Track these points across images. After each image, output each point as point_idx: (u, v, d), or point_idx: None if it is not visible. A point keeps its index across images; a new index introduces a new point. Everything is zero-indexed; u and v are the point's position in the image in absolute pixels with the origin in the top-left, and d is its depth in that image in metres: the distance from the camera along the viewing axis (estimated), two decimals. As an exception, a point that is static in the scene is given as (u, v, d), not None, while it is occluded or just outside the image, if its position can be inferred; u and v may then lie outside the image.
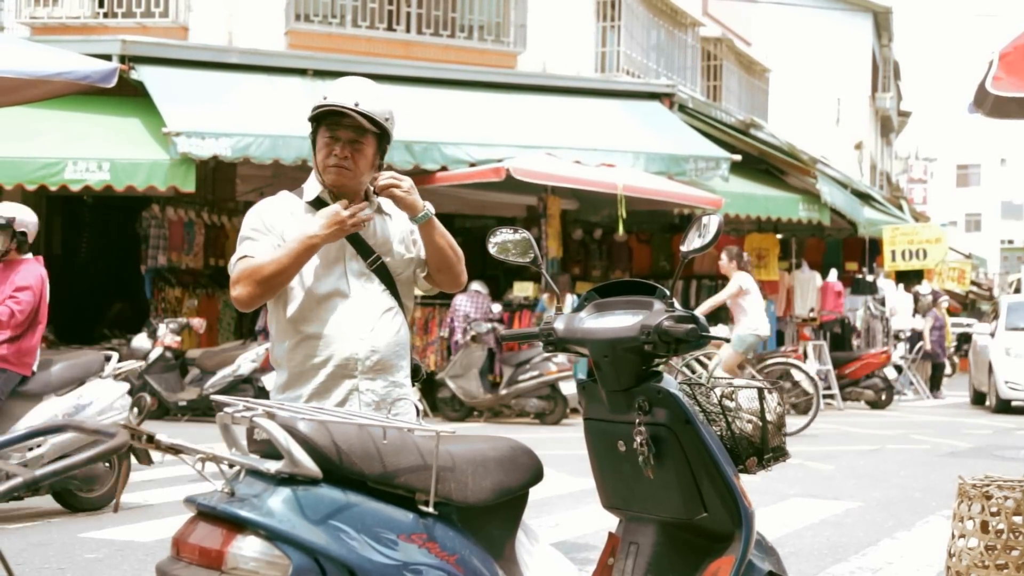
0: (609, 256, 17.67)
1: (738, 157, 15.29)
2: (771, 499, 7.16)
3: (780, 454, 2.96)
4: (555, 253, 13.89)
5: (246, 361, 11.80)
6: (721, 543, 2.80)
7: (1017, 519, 3.78)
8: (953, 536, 3.92)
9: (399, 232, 3.30)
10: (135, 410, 6.62)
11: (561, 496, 7.15)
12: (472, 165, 13.35)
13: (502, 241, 3.20)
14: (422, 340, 13.48)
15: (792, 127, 24.68)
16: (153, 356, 12.09)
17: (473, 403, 12.60)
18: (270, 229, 3.17)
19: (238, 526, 2.22)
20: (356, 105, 3.10)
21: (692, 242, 2.88)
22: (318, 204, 3.20)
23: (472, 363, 12.61)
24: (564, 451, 8.52)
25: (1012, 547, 3.76)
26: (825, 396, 15.71)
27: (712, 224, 2.85)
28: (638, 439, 2.74)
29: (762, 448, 2.91)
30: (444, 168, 13.33)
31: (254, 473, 2.32)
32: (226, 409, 2.36)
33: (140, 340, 12.43)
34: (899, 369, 17.94)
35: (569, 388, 11.99)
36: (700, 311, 10.91)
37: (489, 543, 2.53)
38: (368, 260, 3.21)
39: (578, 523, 6.34)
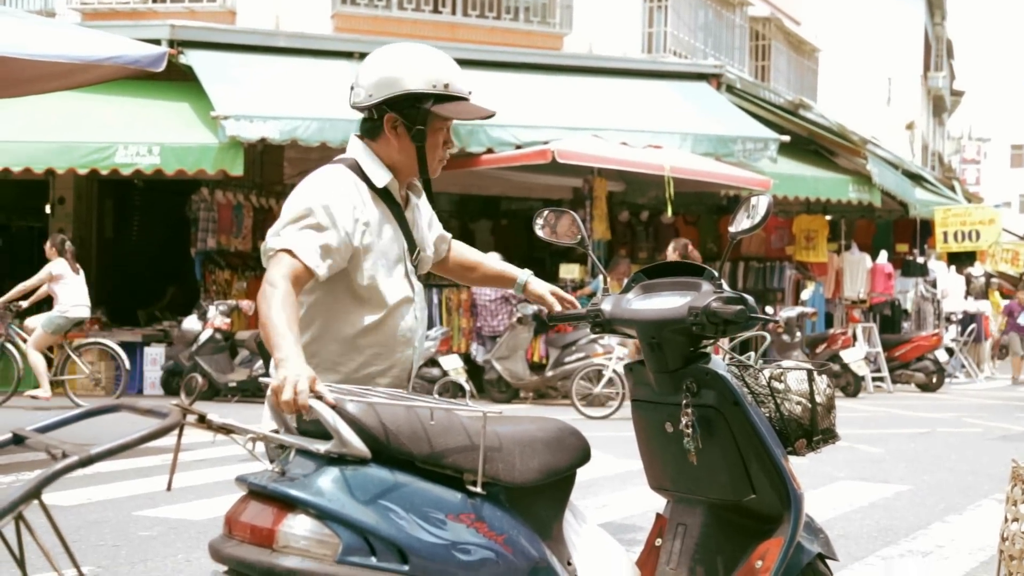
0: (656, 238, 17.56)
1: (787, 138, 15.13)
2: (820, 481, 7.11)
3: (830, 436, 2.94)
4: (601, 235, 13.84)
5: (295, 343, 11.92)
6: (770, 525, 2.79)
7: (1072, 503, 3.72)
8: (1006, 520, 3.87)
9: (427, 223, 3.03)
10: (187, 390, 6.65)
11: (608, 477, 7.16)
12: (518, 147, 13.34)
13: (549, 223, 3.19)
14: (468, 323, 13.48)
15: (842, 107, 24.39)
16: (203, 338, 12.26)
17: (519, 385, 12.62)
18: (334, 223, 2.72)
19: (289, 505, 2.25)
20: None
21: (741, 223, 2.85)
22: (385, 195, 2.86)
23: (518, 345, 12.62)
24: (610, 432, 8.52)
25: (1067, 532, 3.70)
26: (875, 378, 15.58)
27: (761, 205, 2.81)
28: (685, 420, 2.74)
29: (811, 430, 2.89)
30: (490, 150, 13.32)
31: (304, 453, 2.34)
32: (276, 390, 2.37)
33: (190, 322, 12.60)
34: (950, 352, 17.71)
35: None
36: (8, 297, 11.11)
37: (537, 523, 2.54)
38: (412, 256, 2.91)
39: (625, 504, 6.34)
